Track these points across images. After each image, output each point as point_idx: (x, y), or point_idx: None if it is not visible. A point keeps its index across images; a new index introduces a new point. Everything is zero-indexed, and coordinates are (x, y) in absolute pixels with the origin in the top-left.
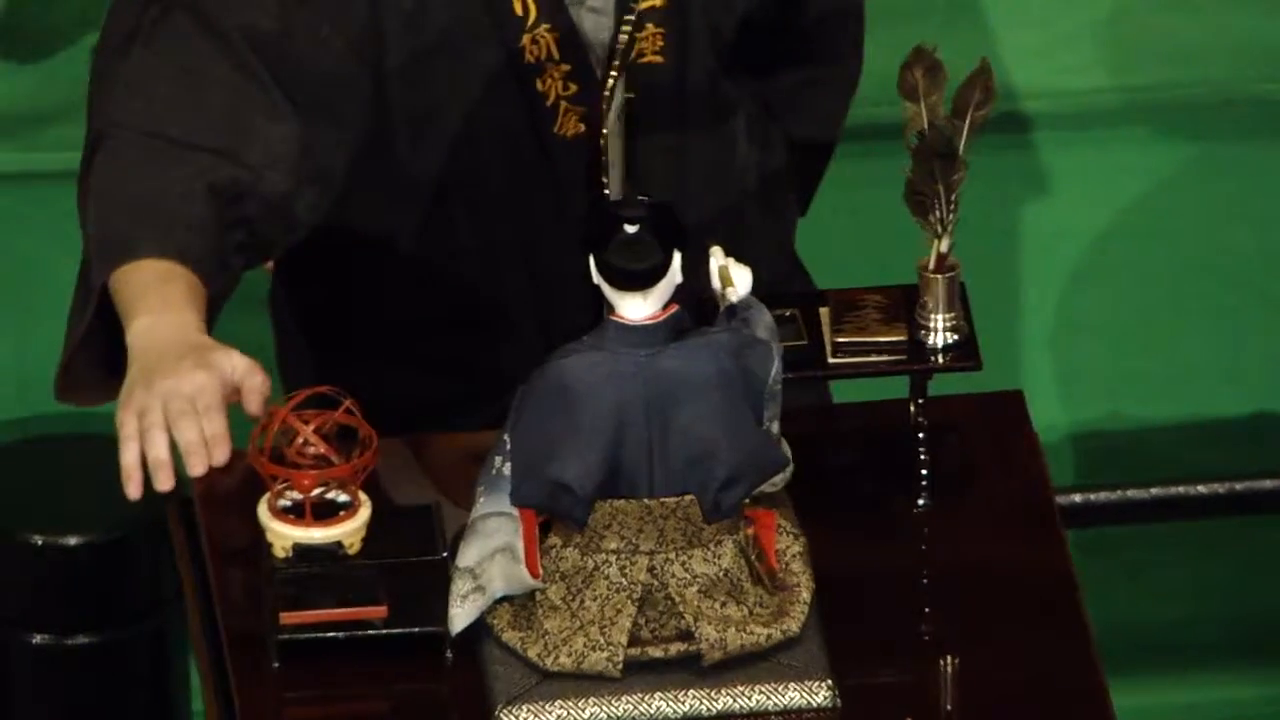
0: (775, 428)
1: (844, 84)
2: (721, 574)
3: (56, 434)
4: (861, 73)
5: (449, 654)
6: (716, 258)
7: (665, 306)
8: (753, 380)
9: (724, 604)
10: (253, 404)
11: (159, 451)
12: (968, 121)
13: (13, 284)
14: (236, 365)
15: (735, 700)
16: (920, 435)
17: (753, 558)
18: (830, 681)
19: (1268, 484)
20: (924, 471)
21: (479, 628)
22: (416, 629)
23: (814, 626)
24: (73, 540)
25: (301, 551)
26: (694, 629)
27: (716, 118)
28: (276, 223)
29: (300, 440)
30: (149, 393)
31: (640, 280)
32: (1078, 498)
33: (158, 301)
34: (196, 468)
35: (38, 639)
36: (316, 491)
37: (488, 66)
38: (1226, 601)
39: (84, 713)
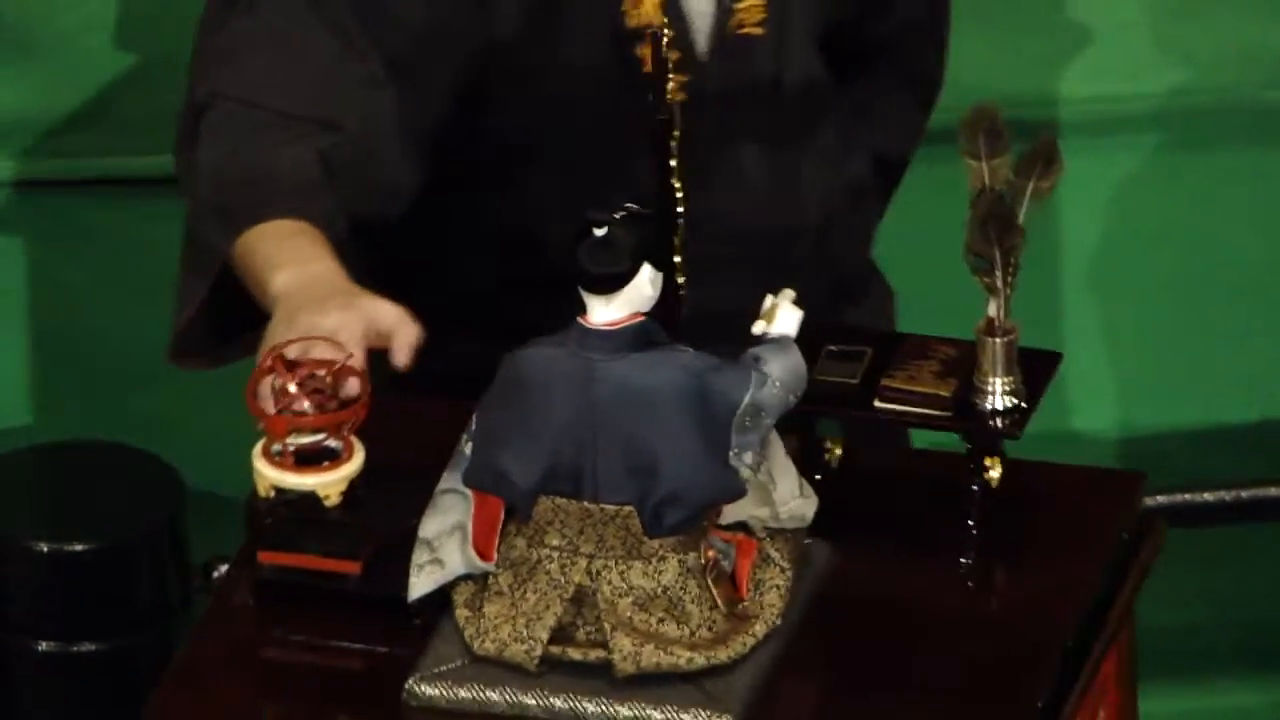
0: (773, 463)
1: (923, 96)
2: (660, 590)
3: (62, 441)
4: (942, 86)
5: (416, 621)
6: (774, 297)
7: (632, 315)
8: (716, 403)
9: (661, 620)
10: (401, 355)
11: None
12: (1029, 190)
13: (15, 292)
14: (384, 313)
15: (635, 713)
16: (975, 491)
17: (709, 580)
18: (730, 716)
19: (1274, 491)
20: (974, 533)
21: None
22: (383, 592)
23: (760, 661)
24: (78, 547)
25: (282, 496)
26: (609, 638)
27: (811, 99)
28: (380, 193)
29: (294, 385)
30: (290, 328)
31: (602, 284)
32: None
33: (297, 254)
34: None
35: (43, 646)
36: (314, 439)
37: (592, 29)
38: (1233, 609)
39: (90, 719)
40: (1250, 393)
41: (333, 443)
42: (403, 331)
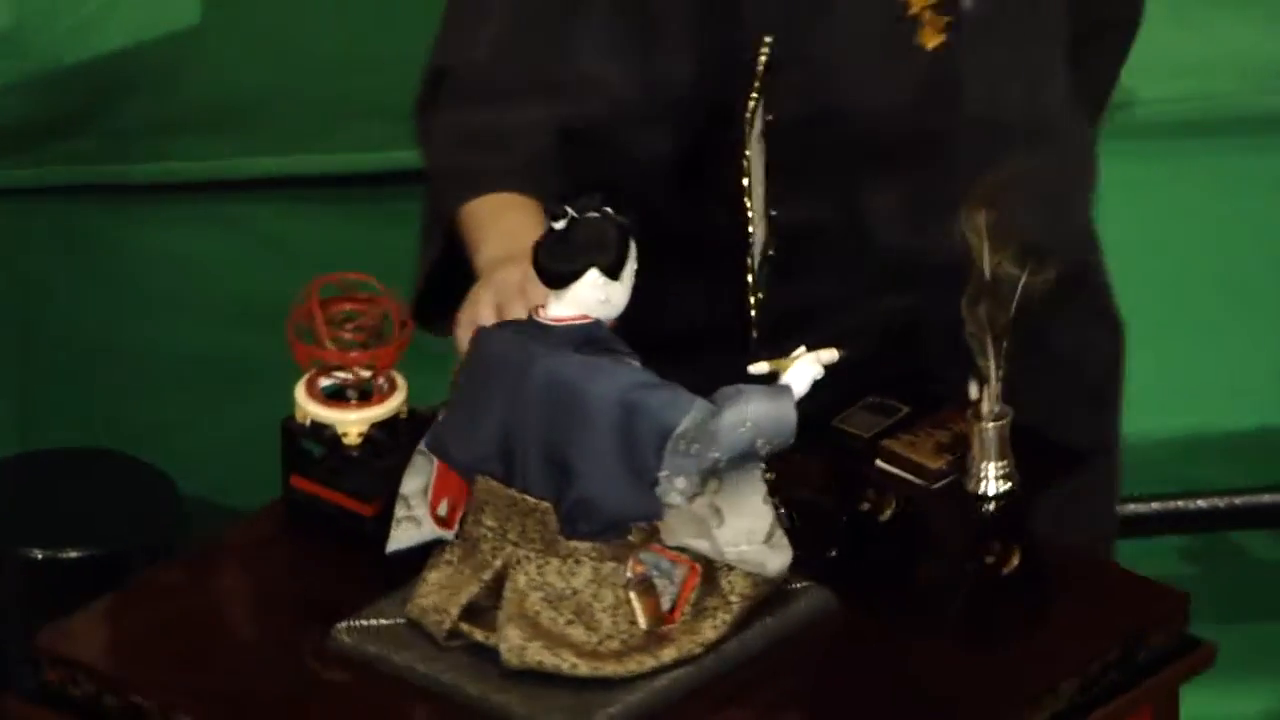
0: (728, 499)
1: (1122, 41)
2: (570, 591)
3: (56, 448)
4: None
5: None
6: (806, 349)
7: (580, 315)
8: (645, 422)
9: (569, 622)
10: None
11: (483, 312)
12: (1022, 280)
13: (17, 299)
14: None
15: (504, 702)
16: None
17: (630, 593)
18: None
19: (1267, 498)
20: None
21: None
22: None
23: (659, 686)
24: (74, 554)
25: (314, 425)
26: (501, 628)
27: (1039, 41)
28: (614, 161)
29: (337, 320)
30: (483, 286)
31: (547, 278)
32: None
33: (506, 227)
34: None
35: None
36: (351, 375)
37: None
38: (1227, 615)
39: None
40: (1244, 399)
41: (380, 381)
42: None
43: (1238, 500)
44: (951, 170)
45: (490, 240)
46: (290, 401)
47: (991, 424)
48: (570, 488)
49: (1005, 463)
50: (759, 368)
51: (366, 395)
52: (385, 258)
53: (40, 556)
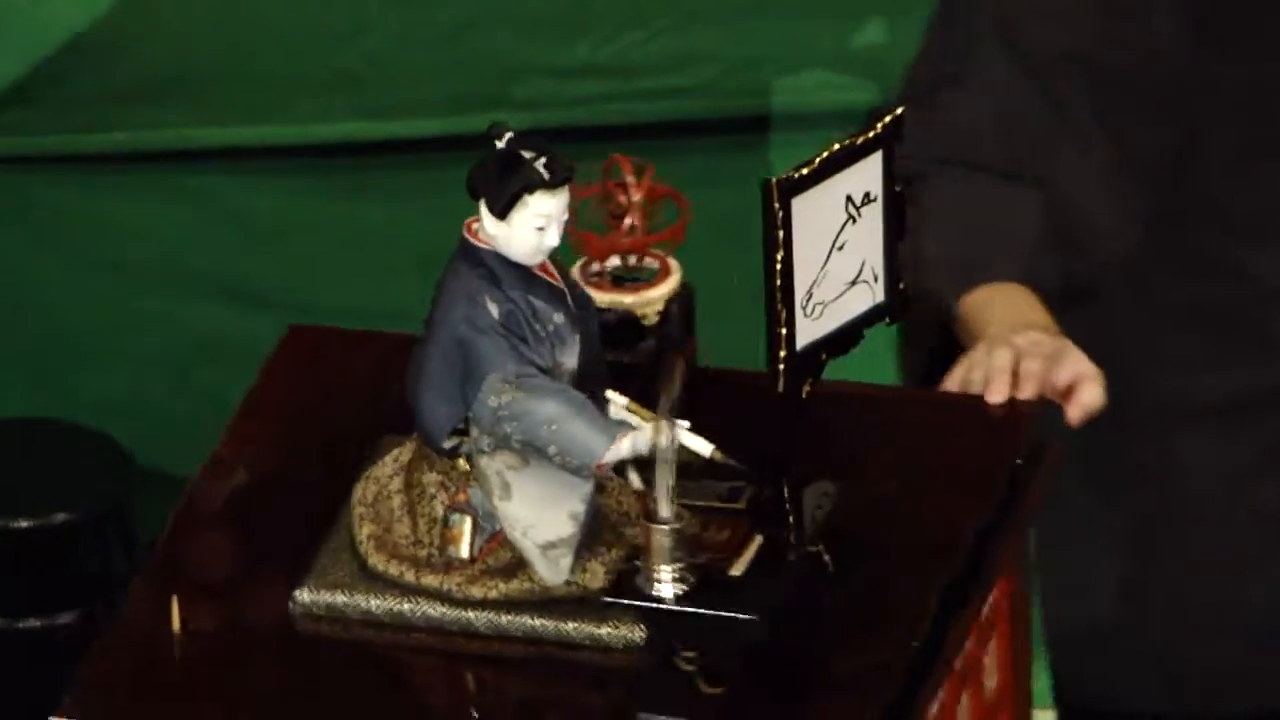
0: (519, 481)
1: None
2: (419, 492)
3: (10, 419)
4: None
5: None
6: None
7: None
8: (467, 361)
9: (399, 518)
10: (1075, 411)
11: (1000, 360)
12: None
13: None
14: (1083, 364)
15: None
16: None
17: (465, 526)
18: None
19: None
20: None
21: None
22: None
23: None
24: (25, 524)
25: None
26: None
27: None
28: (1089, 243)
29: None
30: (994, 343)
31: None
32: None
33: (1010, 309)
34: (998, 393)
35: None
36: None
37: None
38: None
39: (36, 696)
40: None
41: (651, 263)
42: (1089, 390)
43: None
44: None
45: (998, 322)
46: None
47: (665, 528)
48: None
49: (679, 565)
50: (616, 399)
51: (633, 279)
52: (341, 229)
53: None
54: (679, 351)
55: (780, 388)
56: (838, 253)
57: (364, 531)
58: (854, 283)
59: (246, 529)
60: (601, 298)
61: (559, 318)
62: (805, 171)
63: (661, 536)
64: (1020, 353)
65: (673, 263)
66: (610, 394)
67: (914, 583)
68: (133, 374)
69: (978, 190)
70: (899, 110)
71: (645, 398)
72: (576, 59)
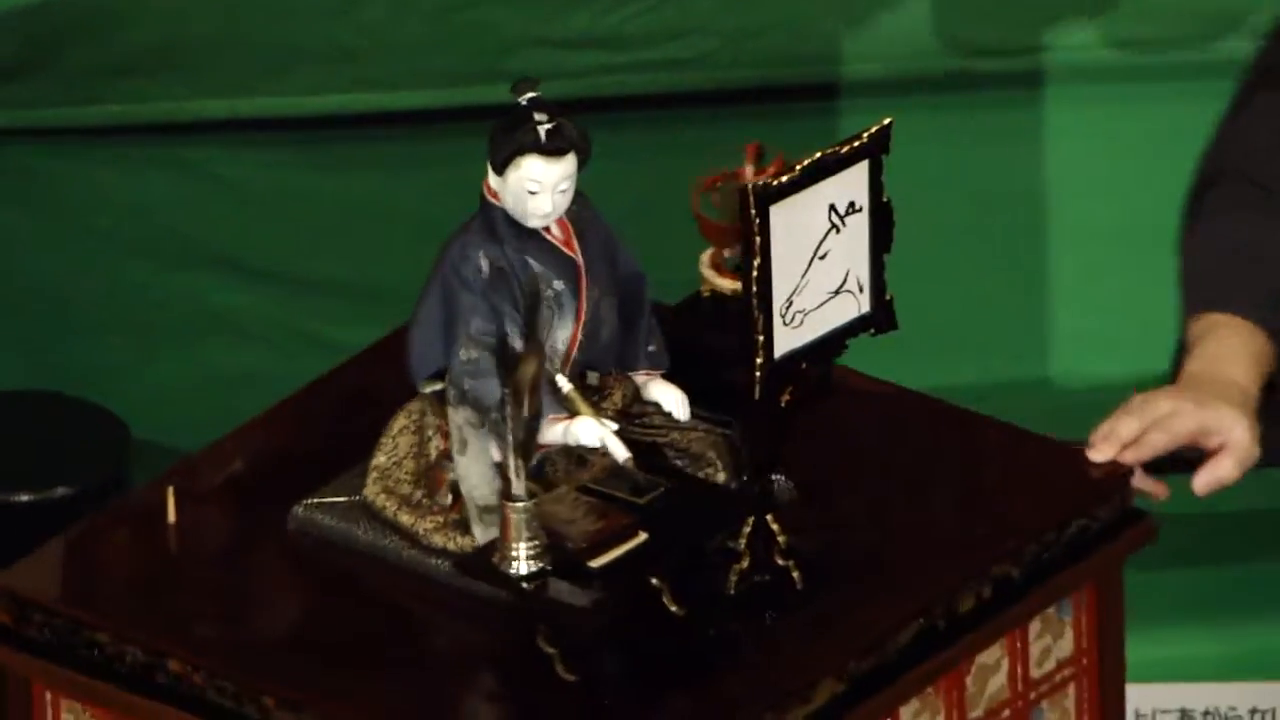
0: (470, 444)
1: None
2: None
3: (7, 391)
4: None
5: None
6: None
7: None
8: (449, 308)
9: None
10: (1201, 482)
11: (1125, 427)
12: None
13: None
14: (1237, 436)
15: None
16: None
17: (449, 473)
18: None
19: None
20: None
21: None
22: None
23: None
24: (24, 497)
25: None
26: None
27: None
28: None
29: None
30: (1129, 403)
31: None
32: None
33: (1217, 352)
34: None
35: None
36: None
37: None
38: (1188, 558)
39: None
40: None
41: None
42: (1224, 464)
43: None
44: None
45: (1197, 357)
46: (241, 344)
47: (520, 505)
48: None
49: (536, 542)
50: (563, 384)
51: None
52: (336, 201)
53: None
54: (536, 351)
55: (757, 395)
56: (820, 261)
57: (375, 460)
58: (837, 292)
59: (291, 441)
60: (725, 284)
61: (558, 285)
62: (785, 179)
63: (513, 514)
64: (1159, 417)
65: None
66: (559, 378)
67: (873, 612)
68: (130, 346)
69: (1248, 211)
70: (886, 121)
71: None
72: (574, 31)
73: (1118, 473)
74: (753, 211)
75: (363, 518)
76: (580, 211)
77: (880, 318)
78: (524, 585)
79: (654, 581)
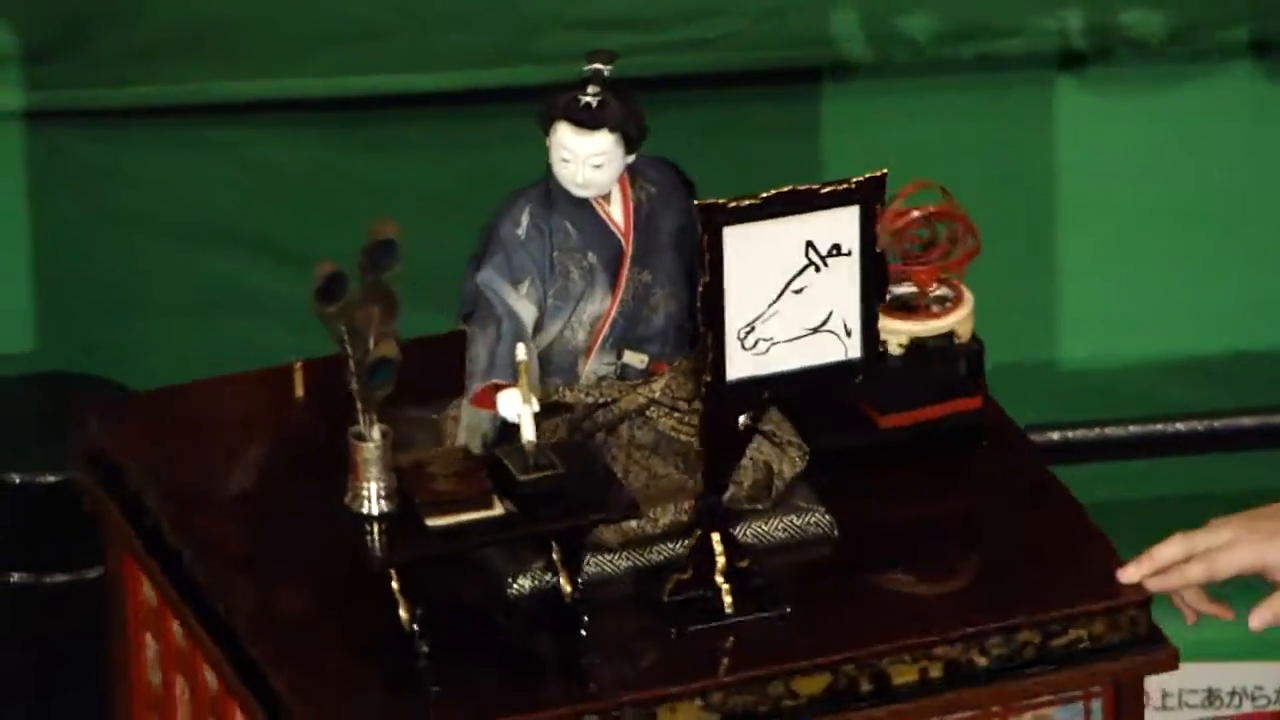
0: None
1: None
2: None
3: (31, 373)
4: None
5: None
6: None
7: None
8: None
9: None
10: (1257, 619)
11: (1161, 553)
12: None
13: None
14: None
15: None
16: None
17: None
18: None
19: (1246, 421)
20: None
21: None
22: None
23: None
24: (50, 478)
25: (917, 344)
26: None
27: None
28: None
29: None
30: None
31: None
32: (1055, 435)
33: None
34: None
35: (16, 578)
36: (931, 288)
37: None
38: None
39: (62, 651)
40: (1223, 324)
41: (942, 290)
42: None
43: (1216, 423)
44: None
45: None
46: (269, 324)
47: (372, 445)
48: None
49: (384, 484)
50: (520, 355)
51: (908, 307)
52: (364, 181)
53: (18, 480)
54: (381, 297)
55: (704, 410)
56: (794, 295)
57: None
58: (817, 330)
59: None
60: (907, 326)
61: (593, 259)
62: (744, 204)
63: (360, 454)
64: (1213, 547)
65: (966, 291)
66: (519, 347)
67: (774, 652)
68: (159, 326)
69: None
70: (882, 172)
71: None
72: (600, 12)
73: (1134, 597)
74: (701, 229)
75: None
76: (657, 195)
77: (871, 367)
78: (359, 519)
79: (554, 558)
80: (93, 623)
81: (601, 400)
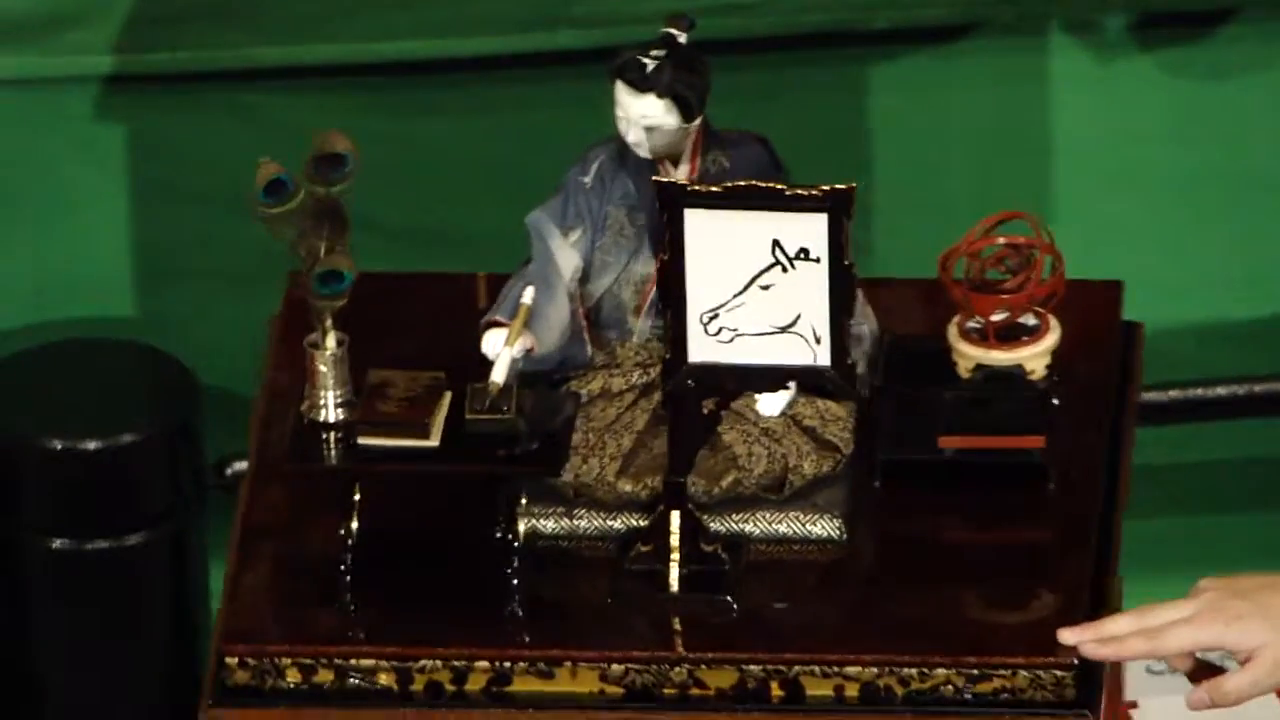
0: None
1: None
2: None
3: (74, 339)
4: None
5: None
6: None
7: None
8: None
9: None
10: (1197, 696)
11: (1111, 624)
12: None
13: (29, 190)
14: (1263, 655)
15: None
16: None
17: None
18: None
19: None
20: None
21: None
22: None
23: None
24: (91, 445)
25: (988, 373)
26: None
27: None
28: None
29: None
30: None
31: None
32: None
33: None
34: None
35: (57, 544)
36: (1002, 316)
37: None
38: (1239, 503)
39: (103, 617)
40: (1259, 288)
41: (1029, 319)
42: (1232, 680)
43: (1256, 387)
44: None
45: None
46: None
47: (326, 352)
48: None
49: (343, 390)
50: (525, 299)
51: (1029, 328)
52: (402, 147)
53: (60, 446)
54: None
55: (663, 389)
56: (761, 291)
57: None
58: (784, 330)
59: None
60: (975, 353)
61: (642, 219)
62: (706, 189)
63: (317, 360)
64: (1169, 621)
65: (1053, 322)
66: (527, 290)
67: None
68: (196, 293)
69: None
70: (851, 185)
71: None
72: None
73: (1063, 659)
74: (659, 205)
75: None
76: (731, 169)
77: (842, 382)
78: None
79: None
80: (133, 589)
81: (647, 361)
